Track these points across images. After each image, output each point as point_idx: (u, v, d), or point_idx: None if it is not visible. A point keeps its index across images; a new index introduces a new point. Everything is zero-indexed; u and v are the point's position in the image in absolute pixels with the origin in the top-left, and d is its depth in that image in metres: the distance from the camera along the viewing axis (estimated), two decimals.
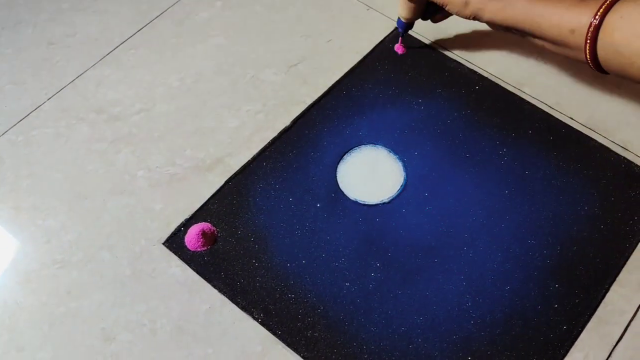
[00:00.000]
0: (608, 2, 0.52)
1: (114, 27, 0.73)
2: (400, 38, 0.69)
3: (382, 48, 0.70)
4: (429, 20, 0.68)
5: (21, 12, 0.75)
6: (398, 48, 0.70)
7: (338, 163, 0.62)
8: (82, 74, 0.69)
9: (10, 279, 0.57)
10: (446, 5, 0.62)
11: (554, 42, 0.57)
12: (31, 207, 0.61)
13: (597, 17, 0.52)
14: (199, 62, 0.70)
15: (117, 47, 0.72)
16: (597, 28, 0.53)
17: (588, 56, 0.55)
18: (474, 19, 0.61)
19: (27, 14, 0.74)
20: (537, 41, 0.60)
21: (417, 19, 0.66)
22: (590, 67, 0.56)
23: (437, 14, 0.67)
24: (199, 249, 0.57)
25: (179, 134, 0.65)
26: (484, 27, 0.64)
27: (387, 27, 0.72)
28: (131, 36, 0.72)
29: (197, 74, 0.69)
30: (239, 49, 0.71)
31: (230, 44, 0.72)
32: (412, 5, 0.64)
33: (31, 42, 0.72)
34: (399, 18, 0.66)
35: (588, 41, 0.54)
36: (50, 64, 0.70)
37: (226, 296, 0.55)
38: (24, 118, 0.66)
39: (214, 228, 0.58)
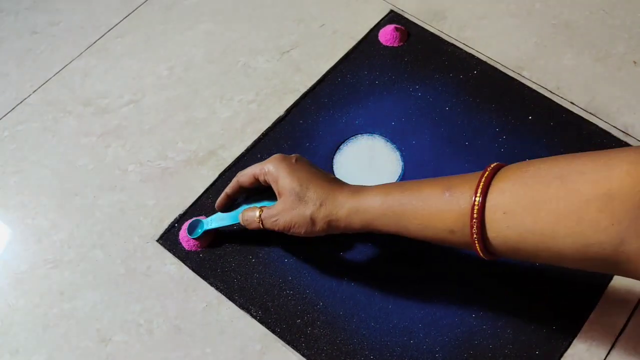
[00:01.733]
0: (479, 192, 0.41)
1: (100, 14, 0.71)
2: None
3: (378, 32, 0.68)
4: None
5: (1, 0, 0.72)
6: None
7: (334, 153, 0.61)
8: (68, 64, 0.67)
9: (1, 280, 0.56)
10: (291, 229, 0.50)
11: (433, 242, 0.46)
12: (20, 205, 0.59)
13: (474, 216, 0.41)
14: (189, 50, 0.68)
15: (103, 35, 0.69)
16: (480, 226, 0.41)
17: (482, 253, 0.43)
18: (329, 233, 0.50)
19: (7, 1, 0.72)
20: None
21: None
22: (480, 255, 0.43)
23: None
24: (193, 249, 0.56)
25: (169, 125, 0.63)
26: (482, 9, 0.63)
27: (382, 10, 0.70)
28: (117, 24, 0.70)
29: (186, 63, 0.67)
30: (229, 35, 0.69)
31: (220, 30, 0.69)
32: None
33: (13, 31, 0.70)
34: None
35: (476, 240, 0.42)
36: (35, 55, 0.68)
37: (223, 294, 0.54)
38: (8, 112, 0.64)
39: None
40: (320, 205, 0.48)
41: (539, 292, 0.54)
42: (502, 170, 0.43)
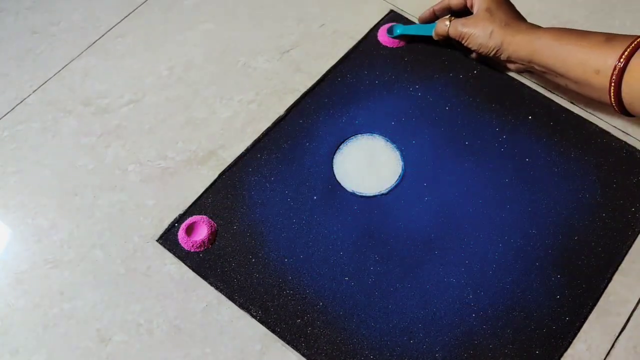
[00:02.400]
0: (634, 45, 0.51)
1: (100, 14, 0.71)
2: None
3: (377, 32, 0.68)
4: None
5: (1, 0, 0.72)
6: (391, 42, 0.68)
7: (334, 153, 0.61)
8: (68, 64, 0.67)
9: (1, 280, 0.56)
10: (466, 39, 0.61)
11: (577, 81, 0.55)
12: (20, 205, 0.59)
13: (622, 59, 0.51)
14: (189, 50, 0.68)
15: (103, 35, 0.69)
16: (622, 71, 0.51)
17: (612, 98, 0.53)
18: (496, 54, 0.60)
19: (7, 1, 0.72)
20: (559, 79, 0.58)
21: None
22: (615, 109, 0.55)
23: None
24: (194, 250, 0.56)
25: (169, 125, 0.63)
26: None
27: (382, 9, 0.70)
28: (117, 23, 0.70)
29: (187, 62, 0.67)
30: (229, 35, 0.69)
31: (220, 30, 0.69)
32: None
33: (13, 31, 0.70)
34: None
35: (612, 84, 0.52)
36: (35, 55, 0.68)
37: (223, 294, 0.54)
38: (8, 112, 0.64)
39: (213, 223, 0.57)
40: (505, 25, 0.58)
41: (538, 291, 0.54)
42: None
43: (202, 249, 0.56)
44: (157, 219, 0.58)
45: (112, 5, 0.71)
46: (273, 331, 0.53)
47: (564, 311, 0.53)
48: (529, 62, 0.58)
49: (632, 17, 0.68)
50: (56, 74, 0.66)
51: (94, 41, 0.69)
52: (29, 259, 0.56)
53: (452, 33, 0.61)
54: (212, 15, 0.70)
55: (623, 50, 0.51)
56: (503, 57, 0.60)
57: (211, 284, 0.55)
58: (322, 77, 0.65)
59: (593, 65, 0.53)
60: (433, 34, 0.63)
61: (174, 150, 0.61)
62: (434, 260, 0.55)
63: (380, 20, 0.69)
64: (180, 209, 0.58)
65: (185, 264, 0.55)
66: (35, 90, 0.65)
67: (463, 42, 0.61)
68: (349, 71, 0.66)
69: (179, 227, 0.57)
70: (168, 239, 0.57)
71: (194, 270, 0.55)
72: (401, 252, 0.56)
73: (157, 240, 0.57)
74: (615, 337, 0.52)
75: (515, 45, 0.58)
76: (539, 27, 0.58)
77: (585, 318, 0.53)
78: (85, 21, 0.70)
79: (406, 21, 0.68)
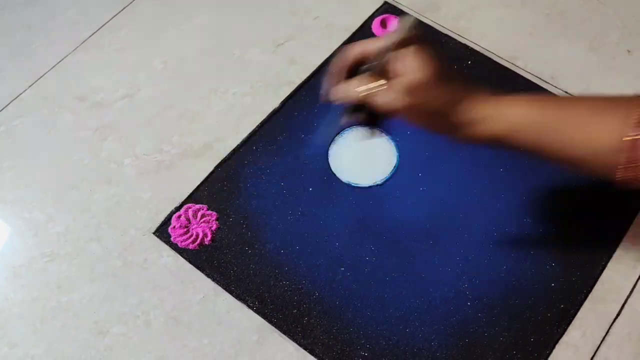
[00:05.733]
0: None
1: (94, 8, 0.71)
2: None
3: (372, 23, 0.68)
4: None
5: None
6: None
7: (330, 145, 0.61)
8: (63, 59, 0.67)
9: None
10: (407, 116, 0.44)
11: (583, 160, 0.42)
12: (17, 200, 0.59)
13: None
14: (183, 43, 0.68)
15: (98, 29, 0.69)
16: None
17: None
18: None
19: None
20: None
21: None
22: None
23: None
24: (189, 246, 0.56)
25: (165, 119, 0.63)
26: (476, 0, 0.63)
27: (376, 1, 0.70)
28: (112, 18, 0.70)
29: (181, 56, 0.67)
30: (223, 28, 0.69)
31: (214, 23, 0.69)
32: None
33: (8, 26, 0.70)
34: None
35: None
36: (30, 50, 0.68)
37: (220, 285, 0.54)
38: (4, 108, 0.64)
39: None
40: (457, 102, 0.43)
41: (533, 279, 0.54)
42: None
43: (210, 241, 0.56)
44: (154, 211, 0.58)
45: (106, 1, 0.71)
46: (270, 321, 0.53)
47: (558, 299, 0.53)
48: (502, 143, 0.44)
49: (625, 7, 0.68)
50: (51, 69, 0.67)
51: (88, 36, 0.69)
52: (27, 253, 0.57)
53: (396, 101, 0.43)
54: (206, 9, 0.70)
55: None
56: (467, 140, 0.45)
57: (208, 275, 0.55)
58: (316, 69, 0.65)
59: (608, 144, 0.40)
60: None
61: (169, 144, 0.62)
62: (429, 250, 0.55)
63: (375, 12, 0.69)
64: (177, 202, 0.58)
65: (182, 256, 0.56)
66: (31, 85, 0.65)
67: (403, 118, 0.44)
68: None
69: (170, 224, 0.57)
70: (164, 232, 0.57)
71: (190, 262, 0.55)
72: (396, 242, 0.56)
73: (153, 233, 0.57)
74: (610, 323, 0.52)
75: (478, 126, 0.44)
76: (506, 98, 0.44)
77: (580, 305, 0.53)
78: (80, 16, 0.70)
79: (400, 12, 0.69)
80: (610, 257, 0.55)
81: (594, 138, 0.41)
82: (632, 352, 0.51)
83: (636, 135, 0.39)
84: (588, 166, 0.42)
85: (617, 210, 0.57)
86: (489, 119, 0.43)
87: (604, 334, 0.52)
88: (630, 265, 0.55)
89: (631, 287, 0.54)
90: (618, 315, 0.53)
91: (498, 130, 0.43)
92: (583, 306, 0.53)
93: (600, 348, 0.52)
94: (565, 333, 0.52)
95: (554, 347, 0.51)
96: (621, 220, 0.56)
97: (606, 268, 0.54)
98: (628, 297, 0.53)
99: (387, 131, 0.61)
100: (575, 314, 0.53)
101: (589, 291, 0.54)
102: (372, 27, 0.67)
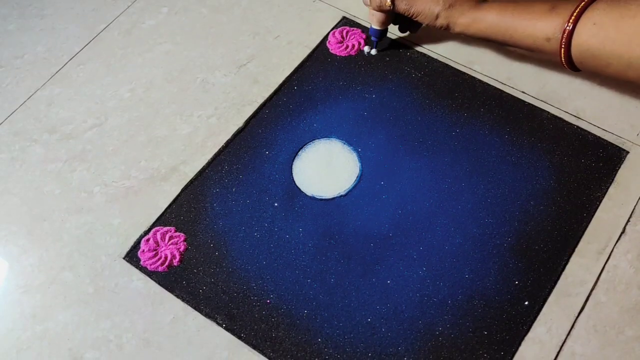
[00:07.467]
0: (579, 8, 0.54)
1: (62, 44, 0.73)
2: (375, 43, 0.68)
3: (331, 39, 0.70)
4: (397, 27, 0.68)
5: None
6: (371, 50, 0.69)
7: (293, 160, 0.62)
8: (33, 94, 0.69)
9: None
10: (416, 17, 0.62)
11: (529, 49, 0.60)
12: None
13: (569, 23, 0.54)
14: (149, 71, 0.70)
15: (65, 64, 0.71)
16: (571, 34, 0.55)
17: (563, 59, 0.57)
18: (446, 29, 0.62)
19: None
20: (510, 48, 0.64)
21: (389, 25, 0.66)
22: (565, 67, 0.58)
23: (409, 22, 0.66)
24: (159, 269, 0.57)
25: (132, 145, 0.65)
26: None
27: (334, 17, 0.71)
28: (79, 52, 0.72)
29: (147, 83, 0.69)
30: (187, 54, 0.71)
31: (178, 50, 0.71)
32: (383, 14, 0.64)
33: None
34: (371, 27, 0.66)
35: (563, 46, 0.56)
36: (0, 88, 0.70)
37: (189, 305, 0.55)
38: None
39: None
40: (449, 7, 0.60)
41: (496, 278, 0.54)
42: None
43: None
44: (123, 237, 0.59)
45: (74, 35, 0.73)
46: (239, 337, 0.54)
47: (522, 296, 0.54)
48: (479, 38, 0.62)
49: None
50: (22, 105, 0.68)
51: (56, 71, 0.71)
52: (1, 286, 0.58)
53: (400, 9, 0.62)
54: (171, 36, 0.72)
55: (569, 15, 0.54)
56: (453, 32, 0.63)
57: (177, 296, 0.56)
58: (278, 87, 0.67)
59: (542, 34, 0.56)
60: (371, 5, 0.63)
61: (137, 169, 0.63)
62: (393, 256, 0.56)
63: (334, 27, 0.70)
64: (145, 226, 0.59)
65: (152, 278, 0.57)
66: (2, 122, 0.67)
67: (413, 18, 0.63)
68: (304, 79, 0.67)
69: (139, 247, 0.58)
70: (134, 256, 0.58)
71: (160, 284, 0.56)
72: (361, 251, 0.57)
73: (123, 258, 0.58)
74: (575, 317, 0.53)
75: (462, 26, 0.61)
76: (484, 5, 0.60)
77: (545, 301, 0.53)
78: (48, 52, 0.72)
79: (359, 26, 0.70)
80: (572, 251, 0.55)
81: (540, 34, 0.57)
82: (598, 345, 0.52)
83: (569, 27, 0.54)
84: (539, 54, 0.60)
85: (578, 206, 0.57)
86: (471, 21, 0.61)
87: (569, 328, 0.52)
88: (593, 259, 0.55)
89: (594, 279, 0.54)
90: (582, 308, 0.53)
91: (477, 30, 0.61)
92: (547, 301, 0.53)
93: (566, 342, 0.52)
94: (531, 330, 0.52)
95: (519, 344, 0.52)
96: (582, 214, 0.57)
97: (569, 262, 0.55)
98: (592, 290, 0.54)
99: (349, 143, 0.62)
100: (540, 309, 0.53)
101: (553, 286, 0.54)
102: (328, 42, 0.69)
